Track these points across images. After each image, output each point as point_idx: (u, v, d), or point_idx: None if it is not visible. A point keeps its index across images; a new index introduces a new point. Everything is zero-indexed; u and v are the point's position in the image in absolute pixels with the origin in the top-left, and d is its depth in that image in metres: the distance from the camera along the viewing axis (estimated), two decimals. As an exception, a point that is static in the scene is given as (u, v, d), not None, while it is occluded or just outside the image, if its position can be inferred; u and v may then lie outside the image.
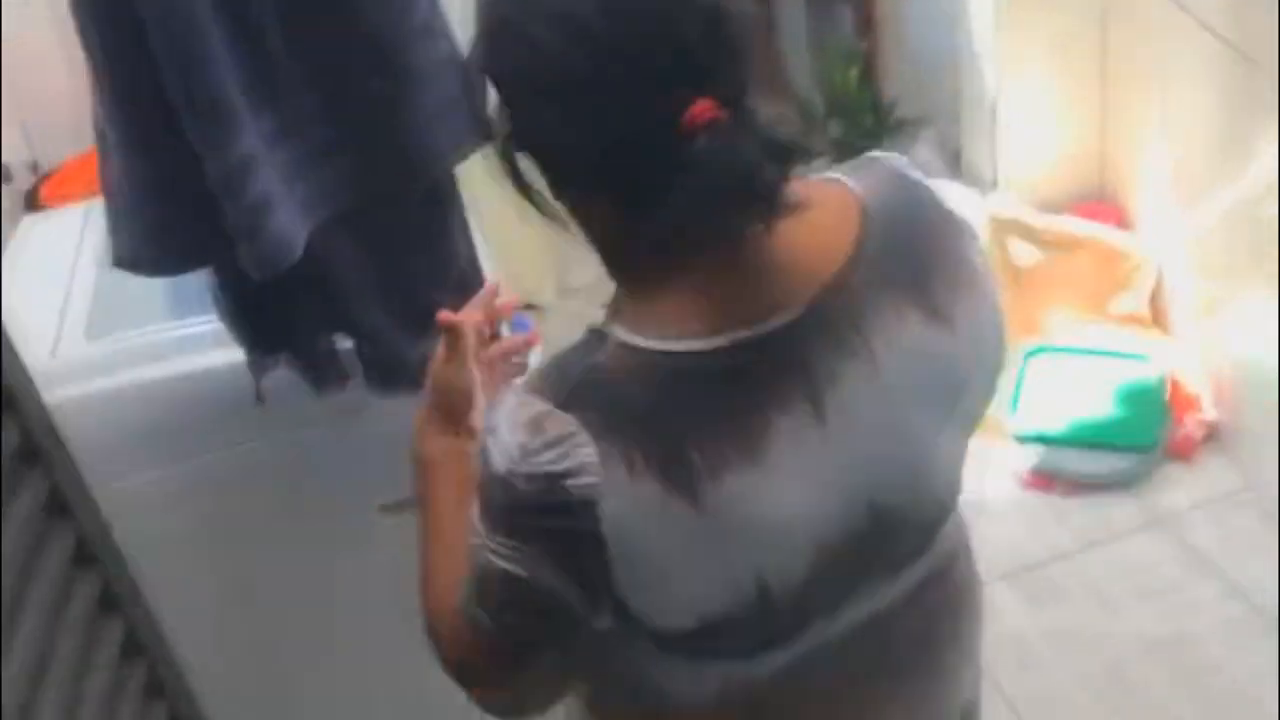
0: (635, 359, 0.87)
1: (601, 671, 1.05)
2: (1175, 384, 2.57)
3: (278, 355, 1.61)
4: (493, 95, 0.90)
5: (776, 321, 0.89)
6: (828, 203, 0.93)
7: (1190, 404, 2.56)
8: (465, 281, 1.54)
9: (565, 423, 0.86)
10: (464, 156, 1.45)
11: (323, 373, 1.61)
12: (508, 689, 1.02)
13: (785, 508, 0.90)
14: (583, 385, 0.87)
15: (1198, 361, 2.60)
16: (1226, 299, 2.47)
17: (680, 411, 0.87)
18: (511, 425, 0.87)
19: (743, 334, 0.88)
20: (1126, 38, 2.67)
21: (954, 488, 1.04)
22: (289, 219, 1.40)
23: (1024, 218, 2.74)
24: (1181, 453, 2.54)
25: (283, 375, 1.63)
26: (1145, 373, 2.58)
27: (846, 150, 3.51)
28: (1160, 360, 2.60)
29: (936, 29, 3.18)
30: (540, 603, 0.91)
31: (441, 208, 1.55)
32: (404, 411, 1.20)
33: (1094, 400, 2.59)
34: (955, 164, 3.13)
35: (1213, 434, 2.56)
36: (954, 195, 1.03)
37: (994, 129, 2.84)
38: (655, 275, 0.89)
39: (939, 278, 0.95)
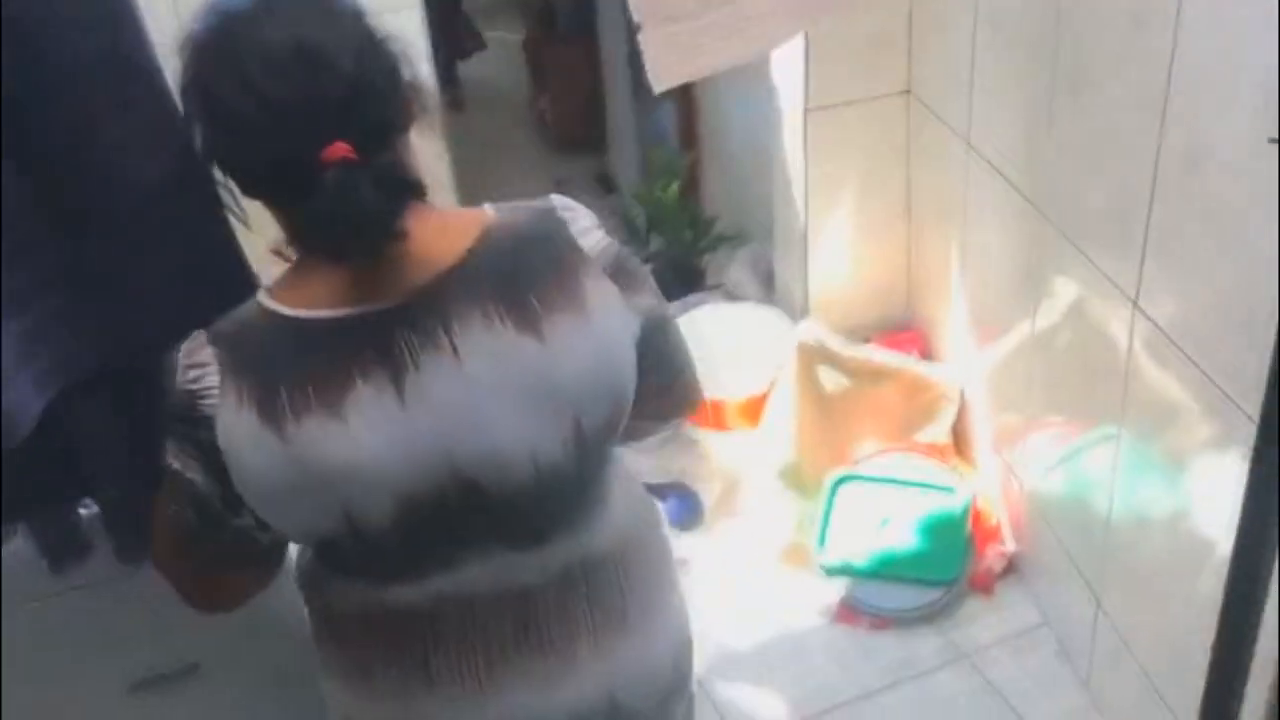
0: (270, 320, 1.14)
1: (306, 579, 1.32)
2: (977, 515, 2.61)
3: (14, 526, 1.47)
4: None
5: (377, 307, 1.12)
6: (454, 223, 1.18)
7: (991, 536, 2.60)
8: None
9: (206, 355, 1.14)
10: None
11: (62, 546, 1.47)
12: (186, 578, 1.26)
13: (359, 456, 1.12)
14: (226, 333, 1.16)
15: (998, 493, 2.65)
16: (1021, 431, 2.52)
17: (283, 363, 1.12)
18: (181, 354, 1.16)
19: (348, 312, 1.12)
20: (928, 177, 2.74)
21: (571, 495, 1.24)
22: (22, 391, 1.28)
23: (832, 345, 2.76)
24: (983, 586, 2.57)
25: (23, 546, 1.49)
26: (949, 504, 2.61)
27: (667, 261, 3.51)
28: (963, 491, 2.63)
29: (754, 151, 3.22)
30: (187, 494, 1.17)
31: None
32: (155, 582, 1.26)
33: (899, 532, 2.61)
34: (769, 284, 3.15)
35: (1012, 566, 2.60)
36: (593, 234, 1.22)
37: (805, 255, 2.87)
38: (308, 261, 1.15)
39: (540, 297, 1.15)
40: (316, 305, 1.14)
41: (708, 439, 2.87)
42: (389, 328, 1.13)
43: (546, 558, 1.25)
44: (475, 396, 1.13)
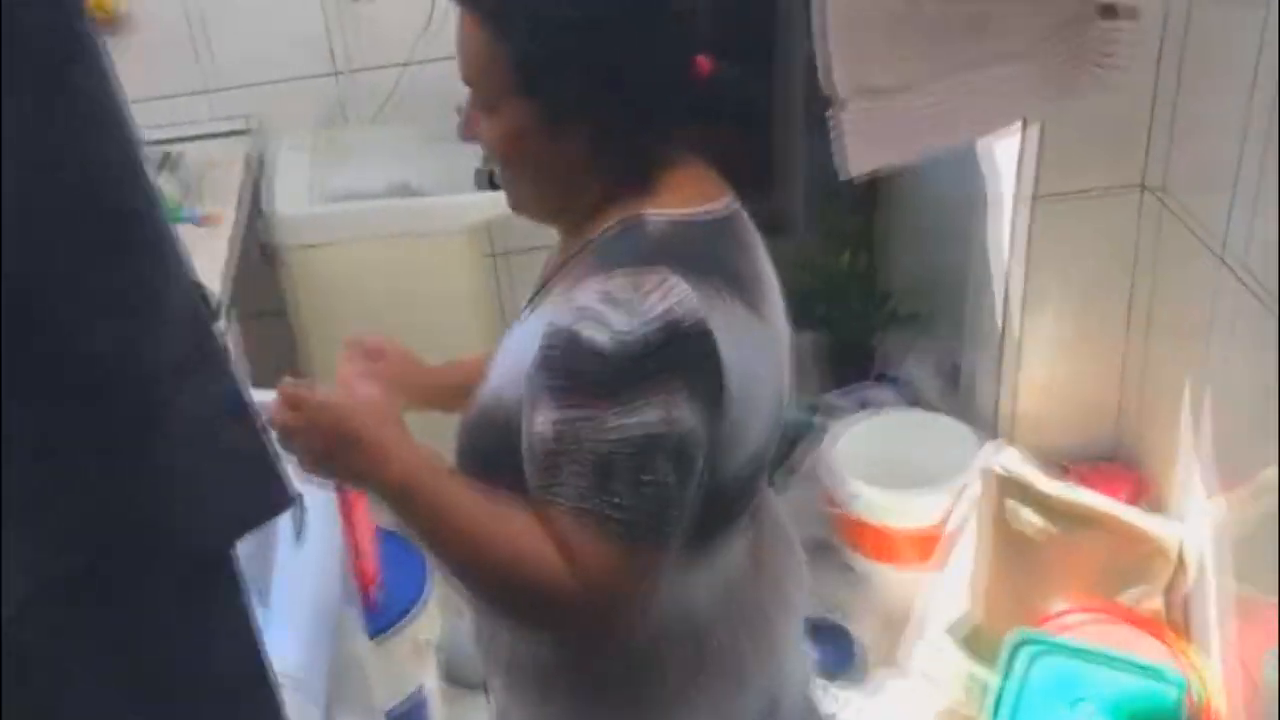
0: (675, 225, 1.11)
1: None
2: (1195, 707, 2.15)
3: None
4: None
5: (725, 208, 1.18)
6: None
7: (1212, 735, 2.14)
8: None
9: (658, 272, 1.03)
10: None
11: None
12: (645, 579, 1.06)
13: (784, 339, 1.21)
14: (651, 248, 1.08)
15: (1223, 681, 2.18)
16: (1266, 615, 2.05)
17: (728, 254, 1.12)
18: (604, 300, 1.02)
19: (719, 208, 1.16)
20: (1163, 286, 2.29)
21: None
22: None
23: (1029, 478, 2.33)
24: (1197, 802, 2.12)
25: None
26: (1162, 693, 2.16)
27: (833, 336, 3.11)
28: (1178, 675, 2.17)
29: (949, 228, 2.80)
30: (679, 449, 1.02)
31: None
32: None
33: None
34: (952, 386, 2.73)
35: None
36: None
37: (1002, 361, 2.44)
38: (657, 170, 1.15)
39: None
40: (695, 203, 1.16)
41: (870, 572, 2.47)
42: (740, 224, 1.21)
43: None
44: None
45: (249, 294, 2.92)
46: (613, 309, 1.01)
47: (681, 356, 1.02)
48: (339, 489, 1.61)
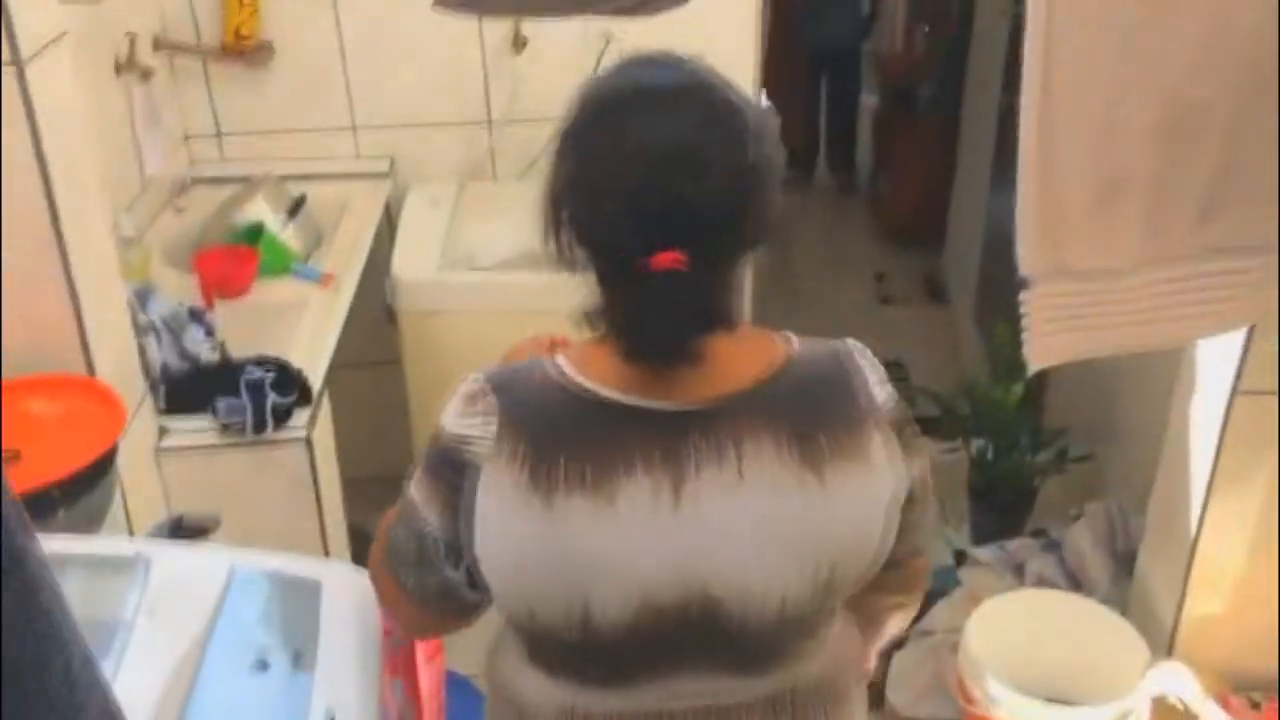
0: (559, 385, 1.10)
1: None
2: None
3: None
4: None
5: (672, 407, 1.08)
6: (758, 343, 1.14)
7: None
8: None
9: (490, 405, 1.10)
10: None
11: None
12: (391, 591, 1.23)
13: (620, 547, 1.08)
14: (513, 386, 1.12)
15: None
16: None
17: (567, 432, 1.09)
18: (458, 396, 1.13)
19: (643, 402, 1.08)
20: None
21: (802, 631, 1.16)
22: None
23: (1202, 717, 1.98)
24: None
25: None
26: None
27: (989, 466, 2.78)
28: None
29: (1136, 390, 2.45)
30: (415, 529, 1.16)
31: None
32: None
33: None
34: (1125, 569, 2.37)
35: None
36: (884, 387, 1.14)
37: (1188, 569, 2.09)
38: (610, 343, 1.11)
39: (830, 438, 1.09)
40: (610, 385, 1.09)
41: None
42: (683, 429, 1.08)
43: (754, 685, 1.20)
44: (746, 522, 1.09)
45: (373, 344, 2.79)
46: (454, 402, 1.14)
47: (436, 459, 1.14)
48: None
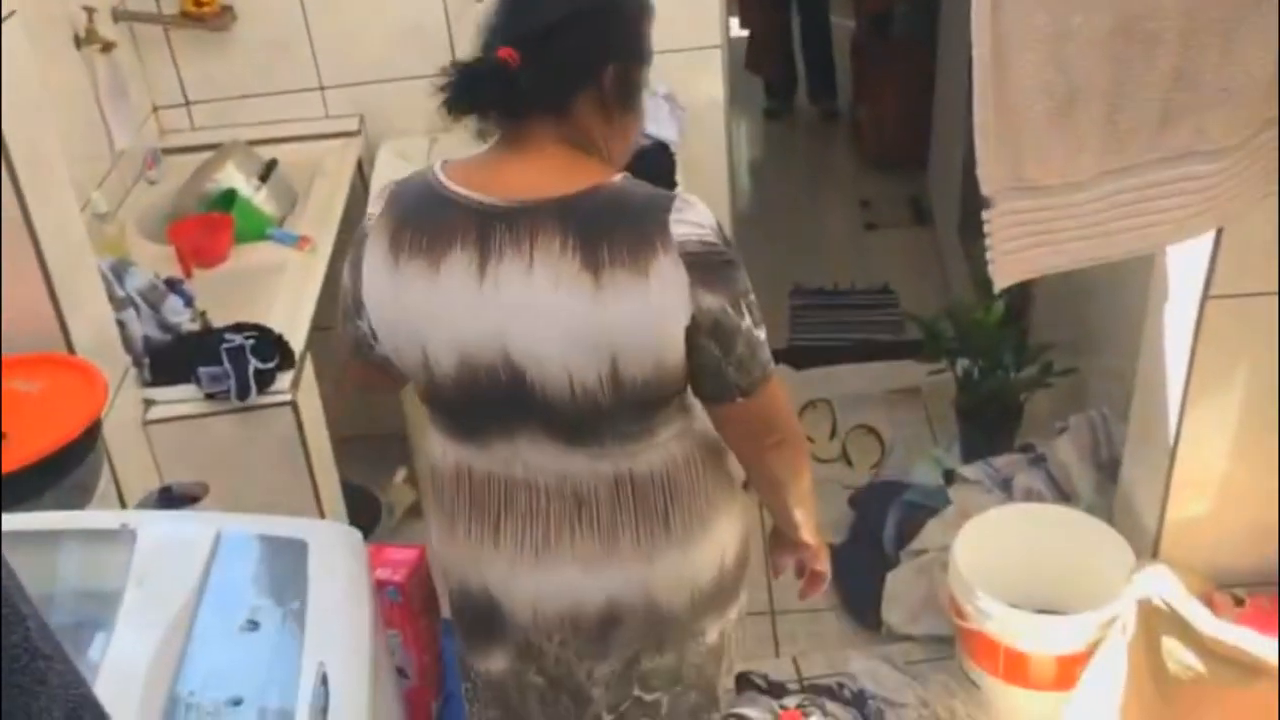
0: (426, 183, 1.42)
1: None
2: None
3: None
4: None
5: (494, 201, 1.37)
6: (583, 167, 1.40)
7: None
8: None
9: (386, 194, 1.45)
10: None
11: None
12: (339, 347, 1.58)
13: (441, 308, 1.39)
14: (404, 185, 1.45)
15: None
16: None
17: (418, 215, 1.40)
18: (375, 191, 1.50)
19: (476, 197, 1.37)
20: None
21: (609, 417, 1.41)
22: None
23: (1187, 614, 2.01)
24: None
25: None
26: None
27: (975, 385, 2.81)
28: None
29: (1113, 298, 2.46)
30: (343, 287, 1.51)
31: None
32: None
33: None
34: (1110, 477, 2.40)
35: None
36: (691, 228, 1.35)
37: (1169, 472, 2.11)
38: (481, 156, 1.45)
39: (610, 250, 1.33)
40: (462, 185, 1.39)
41: (998, 692, 2.20)
42: (494, 220, 1.36)
43: (596, 463, 1.46)
44: (534, 302, 1.34)
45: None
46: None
47: (355, 234, 1.48)
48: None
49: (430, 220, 1.38)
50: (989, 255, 1.64)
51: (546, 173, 1.37)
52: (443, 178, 1.40)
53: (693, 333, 1.36)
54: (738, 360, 1.40)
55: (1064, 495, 2.44)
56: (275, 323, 2.21)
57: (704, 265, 1.34)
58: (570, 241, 1.32)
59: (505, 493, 1.49)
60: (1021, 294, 2.90)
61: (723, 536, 1.55)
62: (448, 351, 1.40)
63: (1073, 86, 1.53)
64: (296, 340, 2.20)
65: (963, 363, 2.84)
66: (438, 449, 1.55)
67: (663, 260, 1.32)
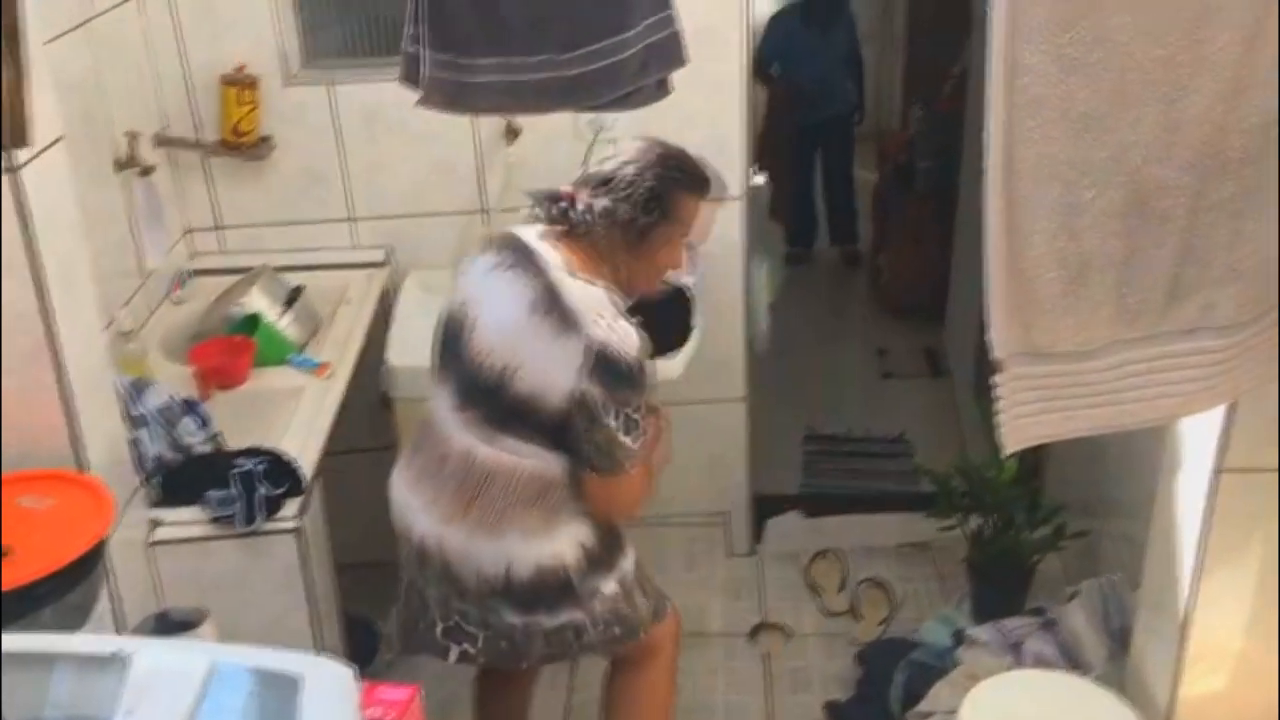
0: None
1: None
2: None
3: None
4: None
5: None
6: (594, 268, 1.99)
7: None
8: None
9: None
10: None
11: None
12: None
13: (466, 324, 1.98)
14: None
15: None
16: None
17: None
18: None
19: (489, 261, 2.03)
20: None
21: (488, 399, 1.95)
22: None
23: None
24: None
25: None
26: None
27: (987, 544, 2.77)
28: None
29: (1128, 463, 2.45)
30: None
31: None
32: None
33: None
34: (1122, 646, 2.35)
35: None
36: (604, 330, 1.88)
37: (1182, 647, 2.07)
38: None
39: (555, 313, 1.90)
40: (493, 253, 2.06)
41: None
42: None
43: (473, 442, 1.97)
44: (497, 313, 1.96)
45: (371, 431, 2.81)
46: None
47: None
48: None
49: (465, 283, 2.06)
50: (998, 419, 1.64)
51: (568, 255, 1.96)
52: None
53: (570, 401, 1.87)
54: (595, 445, 1.90)
55: (1075, 663, 2.39)
56: (289, 446, 2.23)
57: (601, 364, 1.84)
58: (528, 281, 1.92)
59: (425, 433, 2.07)
60: (1035, 453, 2.89)
61: (578, 532, 2.00)
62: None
63: (1084, 258, 1.55)
64: (308, 465, 2.21)
65: (975, 519, 2.81)
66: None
67: (576, 339, 1.85)
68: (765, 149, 5.44)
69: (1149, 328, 1.60)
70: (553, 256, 1.95)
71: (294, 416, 2.40)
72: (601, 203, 1.94)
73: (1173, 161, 1.51)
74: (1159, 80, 1.46)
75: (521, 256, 1.95)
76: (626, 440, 1.89)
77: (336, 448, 2.37)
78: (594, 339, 1.84)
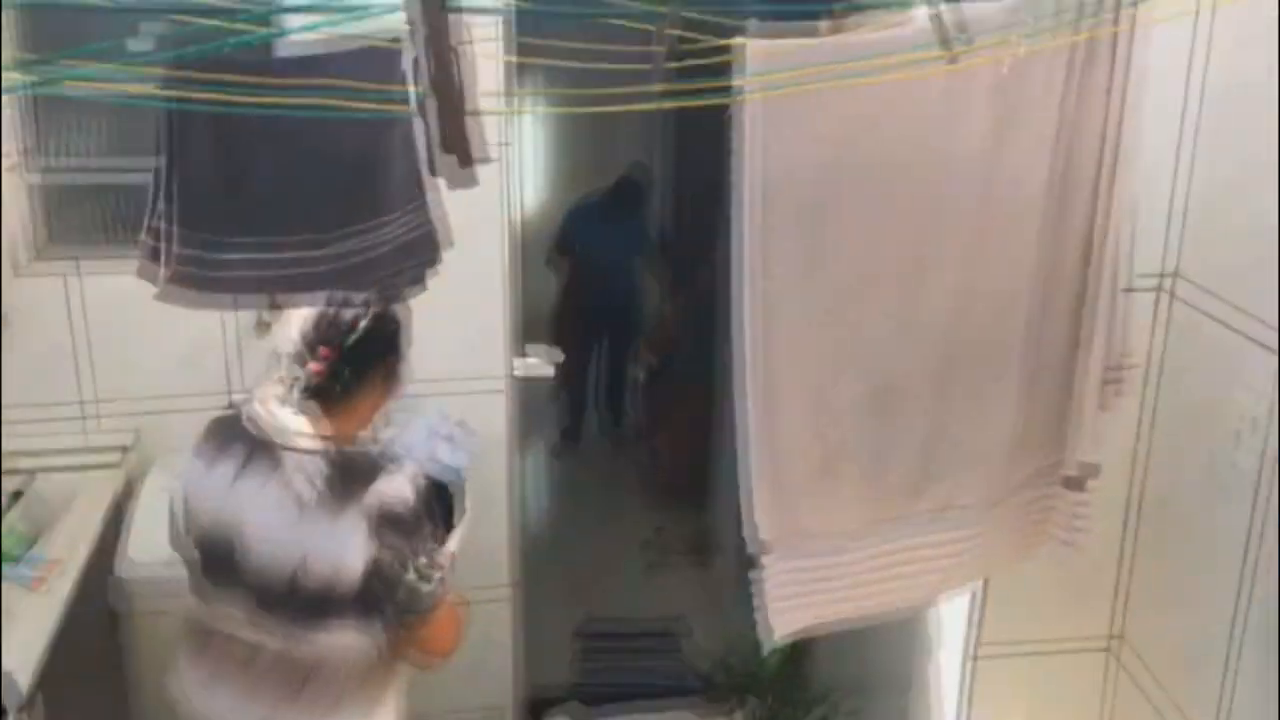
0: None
1: None
2: None
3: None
4: None
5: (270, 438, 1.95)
6: (355, 430, 1.97)
7: None
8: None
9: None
10: None
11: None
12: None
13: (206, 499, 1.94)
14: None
15: None
16: None
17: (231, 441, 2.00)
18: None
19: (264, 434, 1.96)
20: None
21: (298, 598, 1.88)
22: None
23: None
24: None
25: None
26: None
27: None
28: None
29: (893, 653, 2.48)
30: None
31: None
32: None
33: None
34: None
35: None
36: (394, 486, 1.88)
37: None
38: None
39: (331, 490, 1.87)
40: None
41: None
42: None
43: (270, 633, 1.92)
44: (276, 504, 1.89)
45: (97, 652, 2.55)
46: None
47: None
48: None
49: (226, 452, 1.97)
50: (759, 608, 1.63)
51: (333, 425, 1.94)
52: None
53: (377, 573, 1.85)
54: (389, 592, 1.88)
55: None
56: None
57: (383, 519, 1.84)
58: (307, 467, 1.88)
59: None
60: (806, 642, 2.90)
61: None
62: (190, 517, 2.02)
63: (834, 446, 1.58)
64: (24, 687, 1.97)
65: (752, 702, 2.78)
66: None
67: (357, 512, 1.83)
68: (561, 328, 5.43)
69: (901, 509, 1.64)
70: (292, 423, 1.91)
71: (10, 634, 2.14)
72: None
73: (908, 356, 1.57)
74: (895, 273, 1.53)
75: (256, 447, 1.91)
76: (426, 587, 1.89)
77: (53, 670, 2.13)
78: (367, 503, 1.83)
